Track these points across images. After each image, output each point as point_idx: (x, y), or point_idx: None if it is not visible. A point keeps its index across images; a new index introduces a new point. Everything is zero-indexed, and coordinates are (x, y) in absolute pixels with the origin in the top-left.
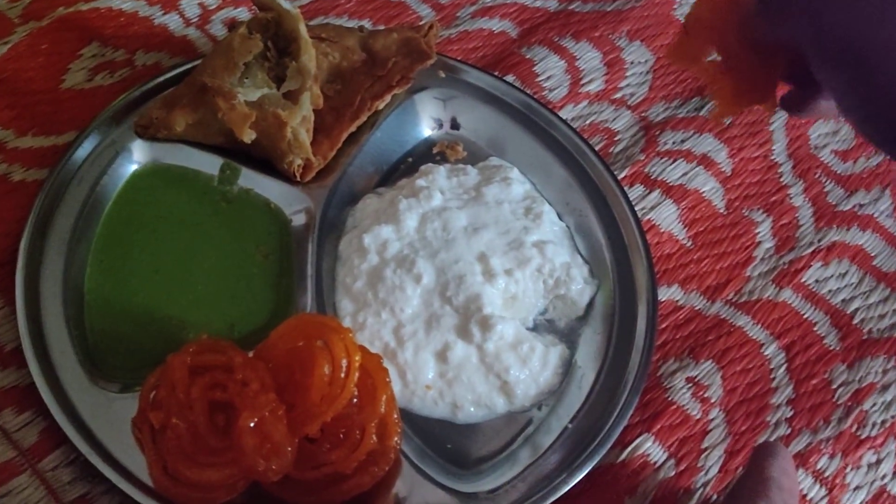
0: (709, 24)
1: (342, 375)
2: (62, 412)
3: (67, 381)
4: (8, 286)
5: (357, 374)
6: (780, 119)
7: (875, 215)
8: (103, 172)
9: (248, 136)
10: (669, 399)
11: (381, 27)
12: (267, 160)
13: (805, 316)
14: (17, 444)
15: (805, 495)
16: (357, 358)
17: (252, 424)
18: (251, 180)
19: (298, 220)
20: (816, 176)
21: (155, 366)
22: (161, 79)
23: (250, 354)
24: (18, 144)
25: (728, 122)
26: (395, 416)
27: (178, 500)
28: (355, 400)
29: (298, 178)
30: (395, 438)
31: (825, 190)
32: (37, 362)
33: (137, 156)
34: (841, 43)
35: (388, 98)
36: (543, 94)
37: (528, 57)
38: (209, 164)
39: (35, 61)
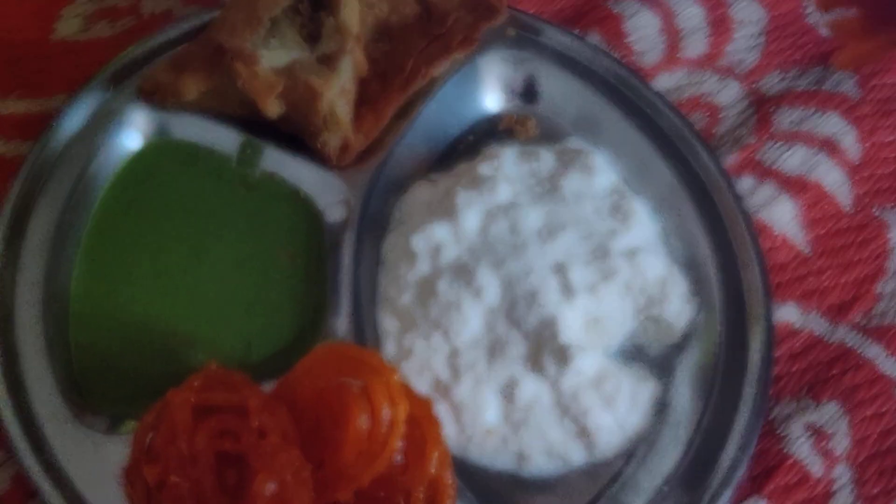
0: None
1: (383, 430)
2: (36, 458)
3: (45, 416)
4: None
5: (402, 427)
6: None
7: None
8: (98, 149)
9: (274, 109)
10: (785, 451)
11: None
12: (297, 137)
13: None
14: None
15: None
16: (403, 409)
17: (270, 490)
18: (277, 162)
19: (333, 213)
20: None
21: (153, 395)
22: (172, 33)
23: (269, 387)
24: None
25: (857, 98)
26: (449, 476)
27: None
28: (399, 458)
29: (335, 161)
30: None
31: None
32: (7, 392)
33: (140, 128)
34: None
35: (446, 63)
36: (633, 58)
37: (615, 11)
38: (227, 140)
39: (21, 6)
